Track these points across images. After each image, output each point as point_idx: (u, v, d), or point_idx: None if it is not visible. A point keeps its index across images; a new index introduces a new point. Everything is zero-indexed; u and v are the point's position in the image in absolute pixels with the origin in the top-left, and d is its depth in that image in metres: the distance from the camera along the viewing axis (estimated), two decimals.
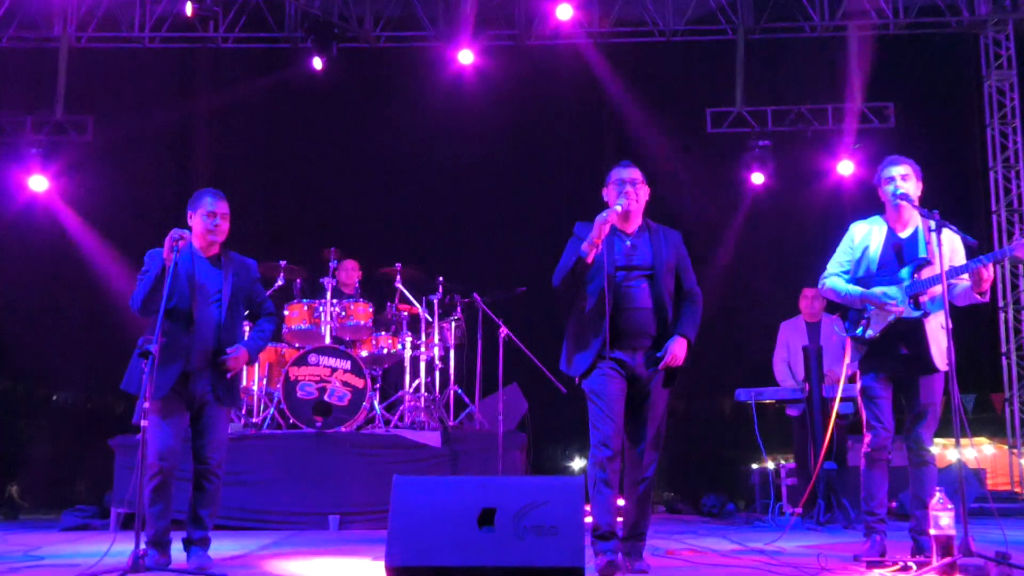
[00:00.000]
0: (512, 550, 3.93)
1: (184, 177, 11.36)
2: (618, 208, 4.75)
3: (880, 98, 11.28)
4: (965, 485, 7.64)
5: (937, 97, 11.61)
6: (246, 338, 5.26)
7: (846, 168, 11.00)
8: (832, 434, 7.84)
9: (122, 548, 4.62)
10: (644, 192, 4.91)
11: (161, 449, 4.81)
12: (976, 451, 11.32)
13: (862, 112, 11.27)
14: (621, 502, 4.90)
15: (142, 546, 4.39)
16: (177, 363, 4.84)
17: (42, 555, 5.75)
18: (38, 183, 10.94)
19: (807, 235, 9.94)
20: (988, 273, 4.80)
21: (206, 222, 5.03)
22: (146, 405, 4.47)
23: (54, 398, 12.59)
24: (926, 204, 4.99)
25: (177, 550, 5.01)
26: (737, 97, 11.42)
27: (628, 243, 4.83)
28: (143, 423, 4.48)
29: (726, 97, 11.46)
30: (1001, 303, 11.25)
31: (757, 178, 11.18)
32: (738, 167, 11.40)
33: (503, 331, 7.86)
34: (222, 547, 5.94)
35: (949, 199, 10.87)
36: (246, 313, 5.32)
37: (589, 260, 4.68)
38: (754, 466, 9.41)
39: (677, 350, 4.73)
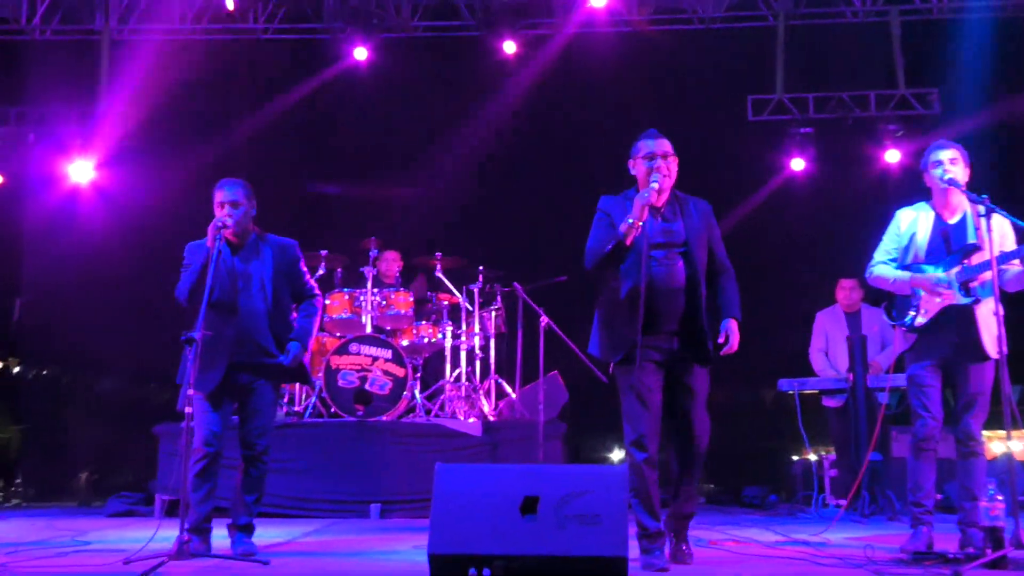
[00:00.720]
0: (554, 539, 3.90)
1: (225, 168, 11.41)
2: (655, 186, 4.51)
3: (923, 84, 11.11)
4: (1015, 476, 7.58)
5: (982, 83, 11.39)
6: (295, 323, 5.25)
7: (893, 156, 10.83)
8: (879, 424, 7.77)
9: (166, 535, 4.66)
10: (675, 164, 4.69)
11: (206, 435, 4.85)
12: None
13: (905, 98, 11.11)
14: None
15: (185, 532, 4.43)
16: (224, 354, 4.86)
17: (89, 540, 5.82)
18: (81, 172, 11.06)
19: (848, 224, 9.81)
20: None
21: (219, 213, 5.03)
22: (190, 392, 4.51)
23: (98, 386, 12.72)
24: (972, 191, 4.89)
25: (222, 536, 5.05)
26: (778, 84, 11.29)
27: (660, 219, 4.62)
28: (187, 410, 4.52)
29: (767, 84, 11.34)
30: None
31: (797, 164, 11.06)
32: (779, 155, 11.28)
33: (544, 320, 7.84)
34: (266, 534, 5.99)
35: (994, 187, 10.72)
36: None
37: (629, 242, 4.47)
38: (796, 457, 9.33)
39: (734, 332, 4.62)
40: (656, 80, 11.00)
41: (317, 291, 5.38)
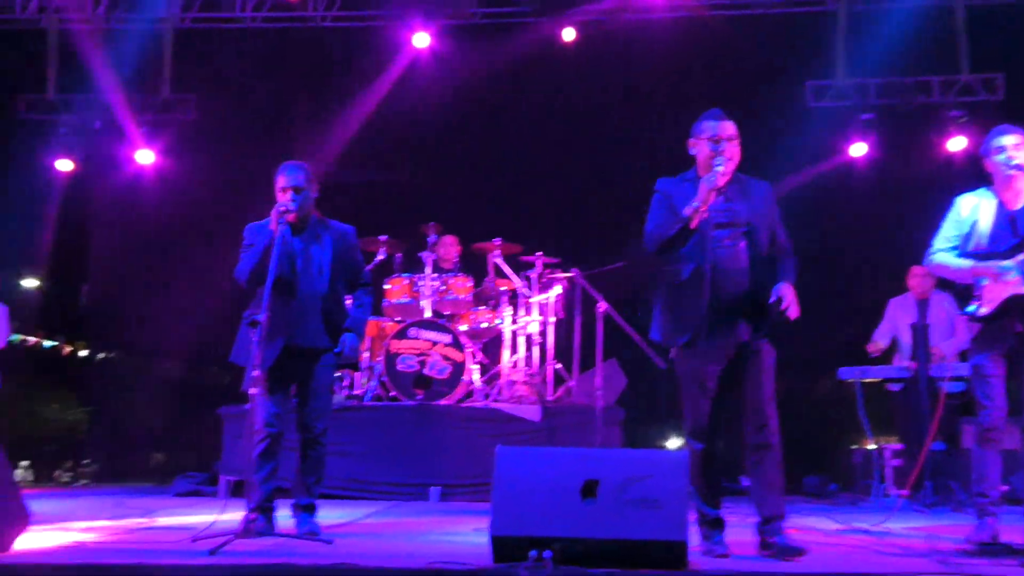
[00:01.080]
0: (614, 522, 3.92)
1: (285, 154, 11.55)
2: (720, 169, 4.38)
3: (988, 69, 10.90)
4: None
5: None
6: (349, 312, 5.31)
7: (957, 144, 10.64)
8: (941, 414, 7.67)
9: (231, 515, 4.76)
10: (739, 149, 4.53)
11: (268, 417, 4.93)
12: None
13: (969, 84, 10.91)
14: None
15: (250, 511, 4.52)
16: (280, 336, 4.94)
17: (157, 519, 5.95)
18: (145, 157, 11.29)
19: (911, 211, 9.68)
20: None
21: (281, 198, 5.09)
22: (255, 374, 4.59)
23: (163, 369, 12.98)
24: None
25: (285, 517, 5.15)
26: (838, 70, 11.16)
27: (722, 199, 4.46)
28: (252, 391, 4.61)
29: (827, 70, 11.21)
30: None
31: (858, 150, 10.92)
32: (839, 142, 11.15)
33: (602, 306, 7.84)
34: (328, 515, 6.05)
35: None
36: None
37: (694, 225, 4.35)
38: (857, 447, 9.24)
39: (790, 293, 4.39)
40: (714, 66, 10.94)
41: (369, 280, 5.43)
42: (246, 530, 4.45)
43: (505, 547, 3.90)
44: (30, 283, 18.49)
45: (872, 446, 8.40)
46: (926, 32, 11.09)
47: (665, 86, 10.94)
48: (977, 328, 4.92)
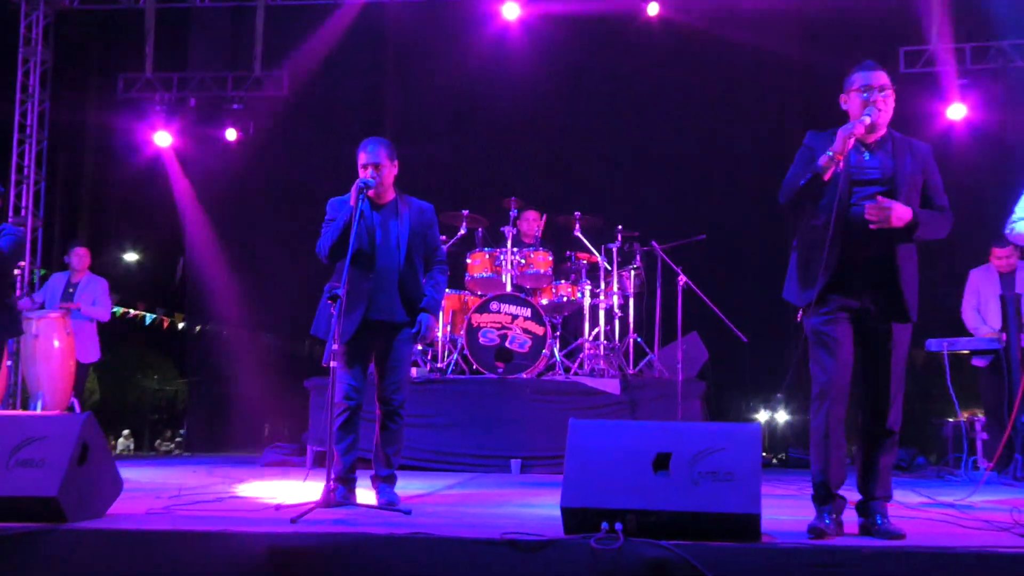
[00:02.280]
0: (687, 495, 3.92)
1: (375, 130, 11.71)
2: (866, 119, 4.09)
3: None
4: None
5: None
6: (425, 291, 5.38)
7: None
8: None
9: (314, 484, 4.89)
10: (892, 99, 4.23)
11: (346, 389, 5.06)
12: None
13: None
14: None
15: (331, 482, 4.65)
16: (359, 308, 5.05)
17: (245, 488, 6.15)
18: (232, 132, 11.60)
19: (1008, 179, 9.42)
20: None
21: (362, 174, 5.18)
22: (335, 347, 4.71)
23: (258, 341, 13.30)
24: None
25: (365, 487, 5.27)
26: (932, 35, 10.86)
27: (867, 155, 4.19)
28: (332, 364, 4.73)
29: (921, 35, 10.92)
30: None
31: (956, 112, 10.63)
32: (933, 108, 10.88)
33: (682, 279, 7.81)
34: (410, 486, 6.20)
35: None
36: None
37: (827, 177, 4.07)
38: (948, 420, 9.06)
39: (899, 207, 4.01)
40: (805, 34, 10.75)
41: (445, 258, 5.49)
42: (327, 500, 4.58)
43: (576, 519, 3.93)
44: (132, 257, 19.18)
45: (963, 418, 8.25)
46: None
47: (754, 57, 10.77)
48: None
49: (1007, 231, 5.05)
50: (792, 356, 8.77)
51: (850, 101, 4.25)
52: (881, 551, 3.77)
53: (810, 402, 4.28)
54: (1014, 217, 4.99)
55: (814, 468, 4.29)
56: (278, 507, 4.69)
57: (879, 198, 4.04)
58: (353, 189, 5.04)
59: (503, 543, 3.82)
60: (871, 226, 4.02)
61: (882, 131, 4.23)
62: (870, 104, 4.14)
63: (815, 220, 4.20)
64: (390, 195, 5.31)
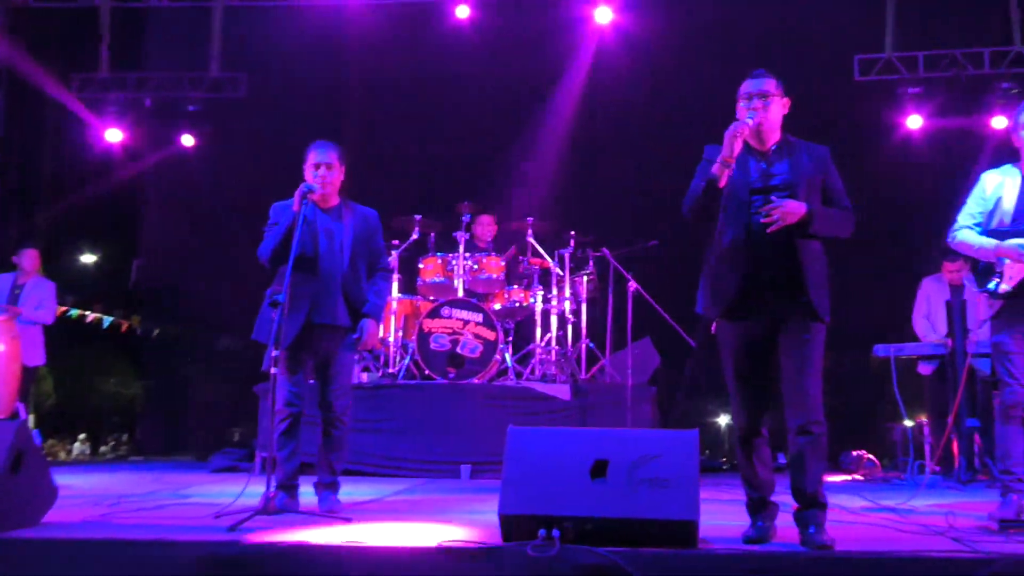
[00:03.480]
0: (624, 502, 3.92)
1: (334, 132, 11.65)
2: (749, 121, 4.13)
3: None
4: None
5: None
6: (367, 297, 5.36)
7: (1000, 122, 10.41)
8: (976, 390, 7.58)
9: (256, 490, 4.85)
10: (777, 105, 4.23)
11: (288, 396, 5.04)
12: None
13: (1021, 55, 10.68)
14: None
15: (272, 488, 4.62)
16: (302, 311, 5.03)
17: (189, 494, 6.10)
18: (189, 139, 11.51)
19: (955, 187, 9.53)
20: None
21: (313, 174, 5.17)
22: (275, 353, 4.68)
23: (215, 345, 13.21)
24: None
25: (309, 494, 5.24)
26: (887, 42, 10.98)
27: (763, 164, 4.23)
28: (272, 371, 4.70)
29: (875, 43, 11.03)
30: None
31: (913, 122, 10.75)
32: (887, 116, 10.99)
33: (632, 285, 7.85)
34: (357, 491, 6.20)
35: None
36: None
37: (722, 184, 4.09)
38: (897, 424, 9.16)
39: (791, 204, 4.04)
40: (759, 40, 10.81)
41: (388, 265, 5.48)
42: (266, 507, 4.55)
43: (514, 526, 3.93)
44: (89, 258, 18.95)
45: (910, 423, 8.34)
46: (978, 2, 10.89)
47: (707, 61, 10.84)
48: (998, 305, 4.87)
49: (949, 239, 5.11)
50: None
51: (739, 112, 4.28)
52: (814, 557, 3.80)
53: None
54: (956, 226, 5.05)
55: (742, 477, 4.36)
56: (217, 514, 4.65)
57: (772, 197, 4.11)
58: (296, 194, 5.02)
59: (440, 551, 3.81)
60: (768, 230, 4.07)
61: (776, 136, 4.28)
62: (751, 110, 4.19)
63: (720, 232, 4.24)
64: (335, 200, 5.30)
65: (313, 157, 5.20)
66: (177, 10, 11.87)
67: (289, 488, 5.08)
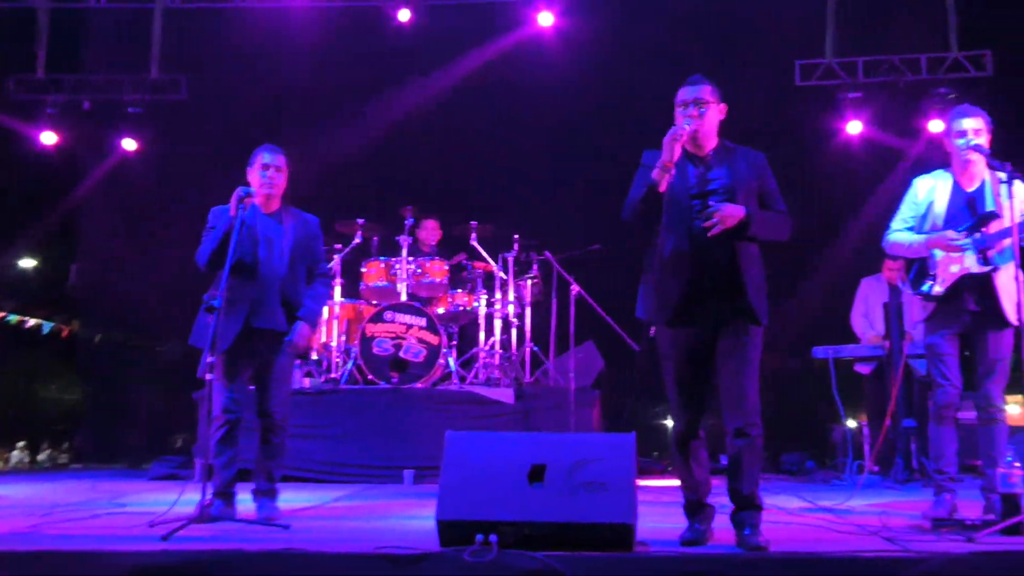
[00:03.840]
0: (562, 506, 3.93)
1: (276, 135, 11.55)
2: (686, 127, 4.17)
3: (976, 46, 10.84)
4: None
5: None
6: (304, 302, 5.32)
7: (937, 126, 10.58)
8: (913, 391, 7.70)
9: (193, 498, 4.79)
10: (714, 111, 4.28)
11: (224, 402, 4.99)
12: None
13: (958, 61, 10.86)
14: None
15: (208, 496, 4.56)
16: (240, 317, 4.98)
17: (125, 503, 6.01)
18: (129, 143, 11.34)
19: (894, 190, 9.69)
20: None
21: (261, 176, 5.15)
22: (211, 359, 4.62)
23: (158, 351, 13.02)
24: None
25: (247, 501, 5.18)
26: (827, 48, 11.11)
27: (701, 169, 4.27)
28: (208, 377, 4.64)
29: (816, 49, 11.16)
30: None
31: (853, 128, 10.89)
32: (827, 120, 11.13)
33: (575, 289, 7.87)
34: (298, 498, 6.14)
35: None
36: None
37: (662, 188, 4.12)
38: (837, 425, 9.27)
39: (729, 208, 4.10)
40: (702, 44, 10.88)
41: (329, 273, 5.45)
42: (201, 515, 4.49)
43: (452, 531, 3.92)
44: (28, 263, 18.60)
45: (852, 424, 8.44)
46: (915, 9, 11.05)
47: (649, 64, 10.90)
48: (931, 307, 4.96)
49: (883, 243, 5.19)
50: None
51: (677, 119, 4.33)
52: (749, 558, 3.83)
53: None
54: (890, 230, 5.14)
55: (680, 480, 4.40)
56: (152, 523, 4.58)
57: (710, 202, 4.16)
58: (233, 197, 4.96)
59: (377, 557, 3.79)
60: (709, 233, 4.11)
61: (713, 142, 4.33)
62: (687, 118, 4.24)
63: (661, 238, 4.26)
64: (277, 204, 5.26)
65: (262, 159, 5.19)
66: (116, 11, 11.67)
67: (226, 496, 5.02)
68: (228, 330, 4.90)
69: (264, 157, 5.20)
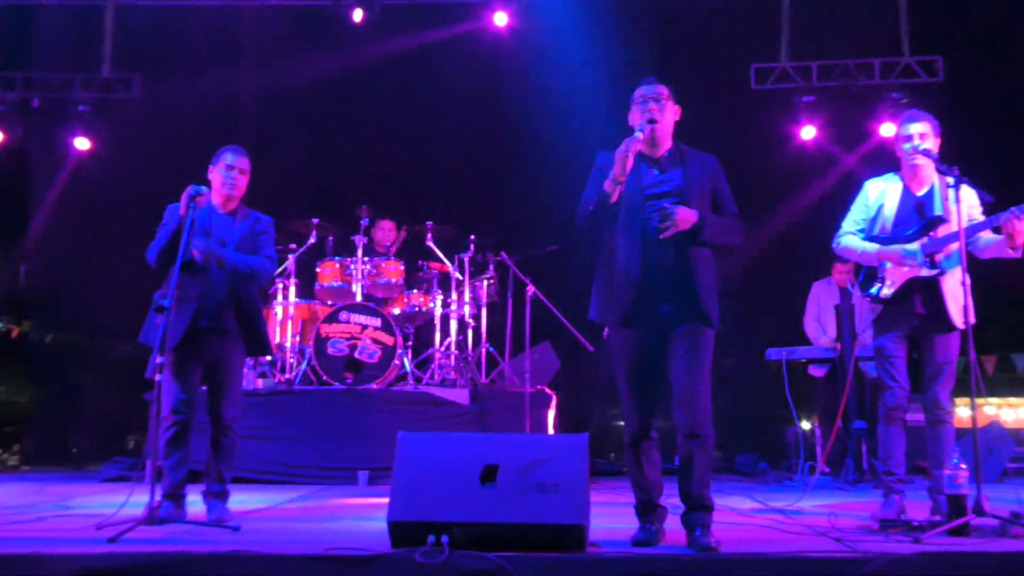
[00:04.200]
0: (514, 507, 3.92)
1: (229, 135, 11.47)
2: (639, 135, 4.17)
3: (928, 51, 10.99)
4: (1000, 444, 7.61)
5: (988, 50, 11.24)
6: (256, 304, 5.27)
7: (889, 130, 10.71)
8: (865, 393, 7.79)
9: (143, 500, 4.73)
10: (671, 109, 4.32)
11: (174, 402, 4.94)
12: (1016, 412, 11.08)
13: (909, 66, 11.00)
14: None
15: (157, 498, 4.51)
16: (188, 314, 4.93)
17: (72, 505, 5.92)
18: (82, 142, 11.19)
19: (847, 193, 9.79)
20: (1022, 227, 4.66)
21: (224, 176, 5.13)
22: (159, 360, 4.57)
23: (110, 351, 12.86)
24: (978, 159, 4.89)
25: (198, 503, 5.13)
26: (782, 52, 11.21)
27: (655, 170, 4.29)
28: (157, 377, 4.59)
29: (771, 53, 11.25)
30: None
31: (807, 133, 10.99)
32: (782, 124, 11.22)
33: (530, 289, 7.87)
34: (251, 500, 6.10)
35: (1001, 155, 10.63)
36: None
37: (614, 200, 4.16)
38: (790, 426, 9.34)
39: (683, 211, 4.12)
40: (657, 47, 10.93)
41: (272, 256, 5.28)
42: (150, 517, 4.44)
43: (403, 533, 3.91)
44: None
45: (806, 425, 8.51)
46: (869, 14, 11.17)
47: (605, 68, 10.93)
48: (879, 310, 5.02)
49: (834, 245, 5.25)
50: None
51: (632, 115, 4.36)
52: (699, 559, 3.86)
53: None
54: (841, 232, 5.21)
55: (632, 480, 4.42)
56: (99, 525, 4.52)
57: (663, 204, 4.17)
58: (184, 196, 4.92)
59: (327, 559, 3.77)
60: (661, 235, 4.14)
61: (668, 144, 4.36)
62: (647, 112, 4.26)
63: (613, 239, 4.29)
64: (234, 204, 5.23)
65: (227, 159, 5.19)
66: (68, 8, 11.52)
67: (176, 497, 4.97)
68: (176, 329, 4.86)
69: (228, 158, 5.18)
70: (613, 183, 4.13)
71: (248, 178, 5.24)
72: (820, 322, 8.52)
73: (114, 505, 5.17)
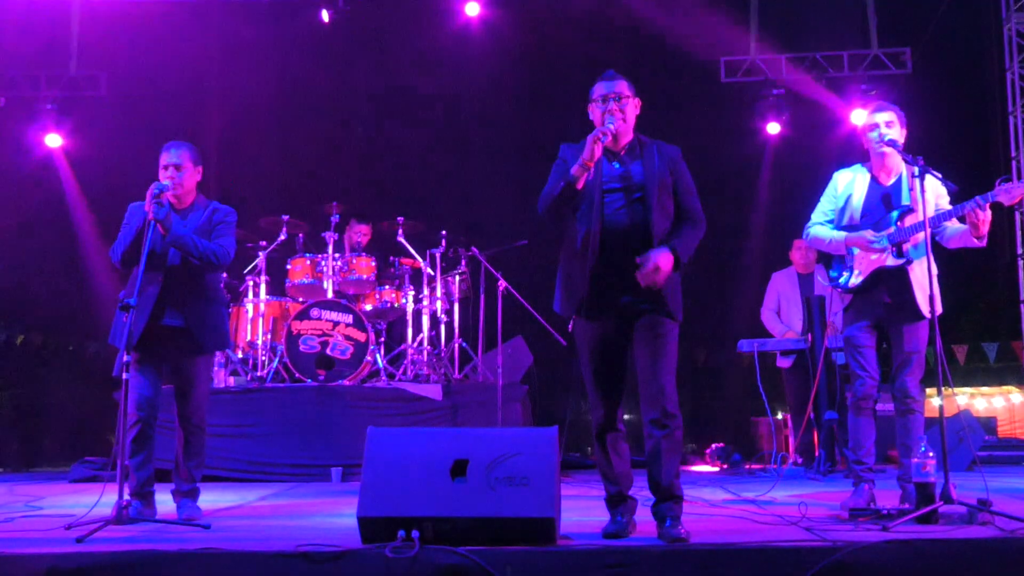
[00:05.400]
0: (483, 501, 3.92)
1: (197, 131, 11.40)
2: (609, 127, 4.15)
3: (896, 43, 11.07)
4: (969, 433, 7.67)
5: (955, 41, 11.34)
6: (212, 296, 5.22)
7: (859, 118, 10.77)
8: (836, 383, 7.83)
9: (113, 499, 4.69)
10: (632, 106, 4.31)
11: (138, 400, 4.90)
12: (987, 401, 11.22)
13: (878, 58, 11.08)
14: None
15: (126, 497, 4.47)
16: (146, 313, 4.90)
17: (42, 506, 5.86)
18: (53, 139, 11.10)
19: (816, 184, 9.84)
20: (985, 216, 4.70)
21: (162, 176, 5.06)
22: (126, 358, 4.53)
23: (81, 351, 12.77)
24: (946, 149, 4.92)
25: (169, 502, 5.10)
26: (751, 45, 11.26)
27: (616, 163, 4.28)
28: (124, 376, 4.55)
29: (740, 46, 11.29)
30: (1021, 251, 11.05)
31: (773, 128, 11.04)
32: (752, 116, 11.27)
33: (502, 284, 7.87)
34: (222, 498, 6.06)
35: (968, 145, 10.73)
36: None
37: (580, 185, 4.12)
38: (763, 418, 9.40)
39: (660, 259, 4.09)
40: (628, 40, 10.95)
41: (226, 245, 5.14)
42: (119, 516, 4.40)
43: (373, 528, 3.89)
44: None
45: (778, 416, 8.56)
46: (837, 6, 11.25)
47: (575, 61, 10.95)
48: (848, 299, 5.06)
49: (803, 235, 5.29)
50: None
51: (592, 111, 4.34)
52: (669, 550, 3.85)
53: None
54: (810, 222, 5.24)
55: (601, 472, 4.42)
56: (69, 525, 4.48)
57: (638, 260, 4.11)
58: (148, 194, 4.88)
59: (297, 556, 3.75)
60: (643, 284, 4.12)
61: (628, 137, 4.34)
62: (608, 113, 4.24)
63: (573, 231, 4.27)
64: (189, 200, 5.18)
65: (165, 159, 5.10)
66: (33, 6, 11.41)
67: (144, 496, 4.94)
68: (137, 327, 4.82)
69: (164, 157, 5.10)
70: (582, 167, 4.10)
71: (191, 172, 5.11)
72: (780, 314, 8.52)
73: (85, 505, 5.13)
